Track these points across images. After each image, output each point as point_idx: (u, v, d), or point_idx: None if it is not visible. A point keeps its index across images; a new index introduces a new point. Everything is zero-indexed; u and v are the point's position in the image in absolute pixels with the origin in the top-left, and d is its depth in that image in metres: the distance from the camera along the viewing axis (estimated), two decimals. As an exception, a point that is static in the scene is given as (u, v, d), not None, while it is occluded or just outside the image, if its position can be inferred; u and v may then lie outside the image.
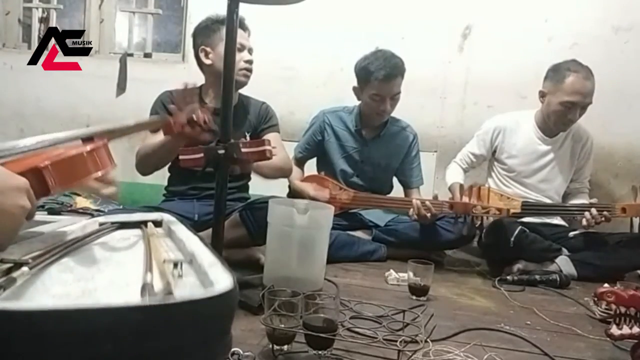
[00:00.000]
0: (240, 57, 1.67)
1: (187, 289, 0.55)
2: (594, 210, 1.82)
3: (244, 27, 1.73)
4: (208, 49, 1.72)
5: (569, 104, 1.91)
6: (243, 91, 1.83)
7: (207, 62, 1.73)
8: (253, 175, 1.89)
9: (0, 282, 0.46)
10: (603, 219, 1.81)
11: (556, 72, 1.95)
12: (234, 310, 0.52)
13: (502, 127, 2.11)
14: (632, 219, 1.90)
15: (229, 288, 0.49)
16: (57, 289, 0.53)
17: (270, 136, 1.77)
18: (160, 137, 1.59)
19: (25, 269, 0.51)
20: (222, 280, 0.52)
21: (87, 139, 0.74)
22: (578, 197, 2.11)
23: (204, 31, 1.74)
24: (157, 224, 0.87)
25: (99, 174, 0.70)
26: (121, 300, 0.52)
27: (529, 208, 1.90)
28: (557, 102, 1.93)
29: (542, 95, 2.01)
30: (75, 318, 0.40)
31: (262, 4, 1.44)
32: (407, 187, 2.17)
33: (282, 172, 1.77)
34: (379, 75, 1.90)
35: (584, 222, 1.84)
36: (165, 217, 0.89)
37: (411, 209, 1.89)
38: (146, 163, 1.59)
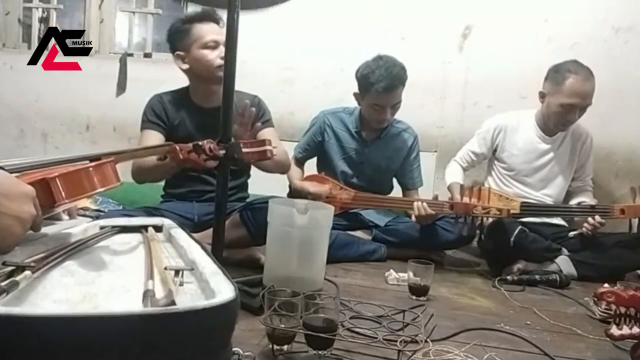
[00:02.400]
0: (216, 55, 1.62)
1: (188, 296, 0.55)
2: (590, 219, 1.83)
3: (217, 21, 1.67)
4: (182, 54, 1.67)
5: (568, 106, 1.91)
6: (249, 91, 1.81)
7: (184, 67, 1.69)
8: (253, 174, 1.89)
9: (3, 285, 0.47)
10: (602, 226, 1.83)
11: (556, 73, 1.95)
12: (236, 320, 0.52)
13: (502, 125, 2.11)
14: (631, 220, 1.90)
15: (231, 298, 0.49)
16: (59, 293, 0.53)
17: (266, 132, 1.68)
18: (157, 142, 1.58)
19: (27, 272, 0.52)
20: (224, 290, 0.52)
21: (95, 159, 0.76)
22: (581, 195, 2.11)
23: (176, 35, 1.68)
24: (158, 228, 0.88)
25: (104, 189, 0.72)
26: (122, 306, 0.52)
27: (528, 208, 1.90)
28: (556, 104, 1.93)
29: (542, 96, 2.01)
30: (79, 326, 0.40)
31: (256, 9, 1.43)
32: (406, 188, 2.17)
33: (282, 166, 1.74)
34: (379, 87, 1.89)
35: (584, 229, 1.86)
36: (166, 222, 0.89)
37: (412, 212, 1.89)
38: (142, 176, 1.58)
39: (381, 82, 1.89)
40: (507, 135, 2.11)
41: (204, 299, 0.54)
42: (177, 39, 1.68)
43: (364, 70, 1.95)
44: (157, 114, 1.71)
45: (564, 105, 1.91)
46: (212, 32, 1.64)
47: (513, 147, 2.11)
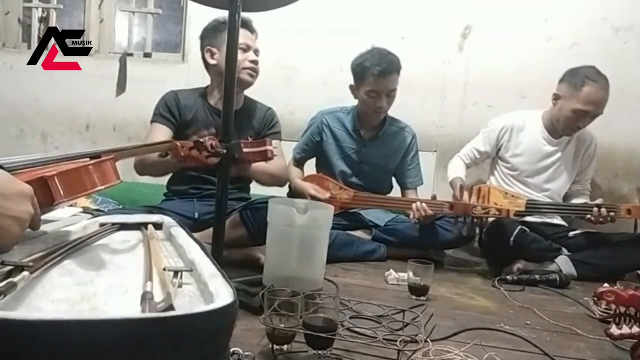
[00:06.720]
0: (245, 57, 1.68)
1: (186, 298, 0.54)
2: (604, 210, 1.81)
3: (251, 30, 1.73)
4: (214, 50, 1.72)
5: (582, 112, 1.90)
6: (249, 93, 1.83)
7: (213, 62, 1.73)
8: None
9: (0, 287, 0.46)
10: (609, 219, 1.81)
11: (574, 78, 1.93)
12: (234, 325, 0.52)
13: (509, 126, 2.11)
14: (637, 221, 1.89)
15: (230, 303, 0.49)
16: (57, 293, 0.53)
17: (273, 143, 1.74)
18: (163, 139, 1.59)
19: (26, 273, 0.51)
20: (222, 293, 0.51)
21: (95, 157, 0.75)
22: (579, 198, 2.11)
23: (211, 32, 1.74)
24: (158, 226, 0.87)
25: (104, 187, 0.71)
26: (120, 308, 0.51)
27: (534, 207, 1.89)
28: (570, 109, 1.92)
29: (556, 98, 1.99)
30: (75, 330, 0.40)
31: (258, 11, 1.44)
32: (405, 188, 2.16)
33: (278, 181, 1.78)
34: (375, 71, 1.91)
35: (590, 216, 1.82)
36: (166, 220, 0.88)
37: (411, 213, 1.89)
38: (144, 170, 1.61)
39: (376, 66, 1.91)
40: (513, 136, 2.11)
41: (202, 302, 0.53)
42: (211, 36, 1.74)
43: (359, 59, 1.98)
44: (169, 109, 1.72)
45: (577, 111, 1.90)
46: (245, 36, 1.69)
47: (518, 147, 2.10)
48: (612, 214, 1.80)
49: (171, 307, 0.48)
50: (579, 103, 1.90)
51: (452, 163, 2.19)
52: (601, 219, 1.81)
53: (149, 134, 1.71)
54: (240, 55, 1.67)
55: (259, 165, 1.55)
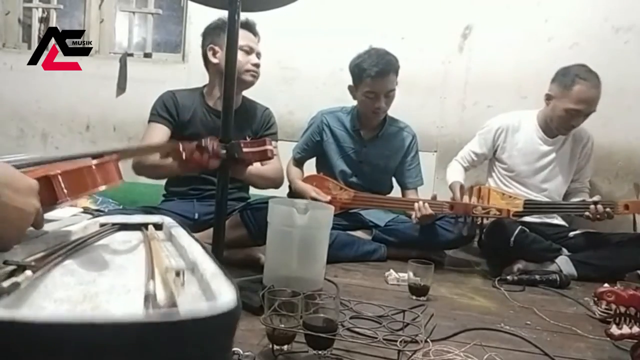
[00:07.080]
0: (248, 60, 1.68)
1: (188, 298, 0.54)
2: (600, 206, 1.81)
3: (254, 32, 1.74)
4: (216, 48, 1.72)
5: (574, 112, 1.91)
6: (247, 93, 1.83)
7: (214, 60, 1.73)
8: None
9: (3, 286, 0.46)
10: (607, 215, 1.81)
11: (565, 77, 1.94)
12: (237, 323, 0.52)
13: (504, 126, 2.11)
14: (635, 218, 1.90)
15: (233, 302, 0.49)
16: (59, 293, 0.53)
17: None
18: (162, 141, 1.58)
19: (28, 272, 0.51)
20: (224, 292, 0.51)
21: (97, 156, 0.75)
22: (578, 196, 2.12)
23: (214, 31, 1.74)
24: (158, 227, 0.87)
25: (106, 187, 0.71)
26: (123, 307, 0.51)
27: (531, 206, 1.90)
28: (562, 108, 1.93)
29: (548, 98, 2.00)
30: (78, 330, 0.39)
31: (258, 11, 1.45)
32: (405, 188, 2.16)
33: (273, 183, 1.77)
34: (372, 72, 1.90)
35: (587, 212, 1.82)
36: (166, 220, 0.88)
37: (413, 213, 1.89)
38: (143, 171, 1.59)
39: (373, 67, 1.90)
40: (509, 136, 2.11)
41: (205, 301, 0.53)
42: (214, 34, 1.74)
43: (356, 60, 1.98)
44: (167, 108, 1.71)
45: (569, 110, 1.91)
46: (248, 38, 1.70)
47: (513, 148, 2.10)
48: (608, 209, 1.80)
49: (174, 306, 0.48)
50: (570, 102, 1.90)
51: (450, 167, 2.19)
52: (599, 215, 1.81)
53: (146, 134, 1.71)
54: (244, 57, 1.68)
55: (254, 168, 1.55)
